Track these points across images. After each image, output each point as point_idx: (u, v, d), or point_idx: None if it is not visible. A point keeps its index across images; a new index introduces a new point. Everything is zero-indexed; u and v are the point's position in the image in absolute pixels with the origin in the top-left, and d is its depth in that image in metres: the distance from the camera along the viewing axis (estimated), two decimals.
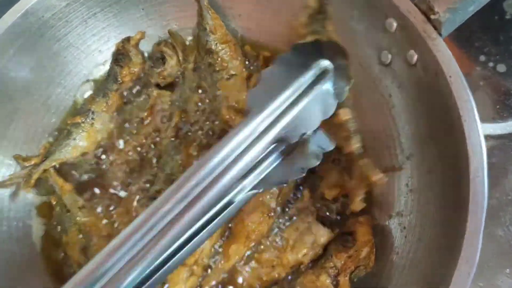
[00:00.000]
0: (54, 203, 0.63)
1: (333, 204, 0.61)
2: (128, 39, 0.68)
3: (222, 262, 0.57)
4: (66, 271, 0.61)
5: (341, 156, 0.61)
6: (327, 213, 0.60)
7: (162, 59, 0.69)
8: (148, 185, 0.63)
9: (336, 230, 0.58)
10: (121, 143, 0.67)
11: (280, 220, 0.60)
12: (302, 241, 0.57)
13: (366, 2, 0.55)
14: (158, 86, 0.69)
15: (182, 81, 0.69)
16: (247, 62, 0.69)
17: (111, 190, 0.64)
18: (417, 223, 0.53)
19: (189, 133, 0.65)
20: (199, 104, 0.67)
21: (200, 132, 0.65)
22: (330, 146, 0.54)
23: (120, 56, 0.68)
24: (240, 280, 0.58)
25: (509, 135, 0.69)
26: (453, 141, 0.46)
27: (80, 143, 0.65)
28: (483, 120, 0.45)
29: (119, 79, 0.67)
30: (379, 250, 0.57)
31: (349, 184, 0.59)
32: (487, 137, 0.68)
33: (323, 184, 0.61)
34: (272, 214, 0.59)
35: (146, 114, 0.68)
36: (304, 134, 0.53)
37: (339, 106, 0.56)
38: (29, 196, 0.64)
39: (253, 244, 0.58)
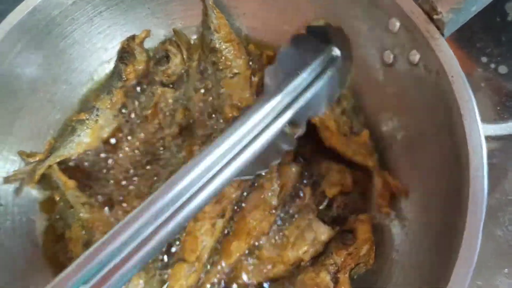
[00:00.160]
0: (57, 199, 0.64)
1: (334, 202, 0.61)
2: (133, 37, 0.69)
3: (223, 259, 0.58)
4: None
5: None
6: (328, 211, 0.61)
7: (167, 58, 0.69)
8: (150, 182, 0.64)
9: (336, 227, 0.59)
10: (124, 141, 0.67)
11: (281, 218, 0.60)
12: (302, 238, 0.58)
13: (369, 2, 0.55)
14: (162, 84, 0.70)
15: (186, 79, 0.70)
16: (250, 62, 0.70)
17: (114, 187, 0.64)
18: (417, 221, 0.54)
19: (192, 131, 0.65)
20: (202, 102, 0.67)
21: (203, 130, 0.65)
22: (302, 131, 0.56)
23: (125, 54, 0.69)
24: (240, 277, 0.58)
25: (509, 136, 0.69)
26: (454, 141, 0.47)
27: (84, 140, 0.65)
28: (484, 121, 0.46)
29: (124, 76, 0.68)
30: (379, 248, 0.57)
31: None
32: (488, 138, 0.68)
33: (324, 182, 0.61)
34: (274, 211, 0.59)
35: (150, 111, 0.68)
36: (310, 117, 0.53)
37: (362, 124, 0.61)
38: (33, 192, 0.64)
39: (254, 241, 0.58)
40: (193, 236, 0.58)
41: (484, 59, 0.75)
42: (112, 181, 0.65)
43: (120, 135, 0.67)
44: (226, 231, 0.60)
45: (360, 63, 0.61)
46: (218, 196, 0.59)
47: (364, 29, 0.58)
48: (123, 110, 0.68)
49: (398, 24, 0.52)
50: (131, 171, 0.65)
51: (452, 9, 0.47)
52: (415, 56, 0.52)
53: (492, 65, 0.74)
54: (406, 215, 0.56)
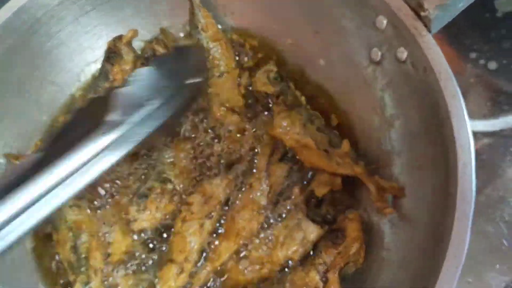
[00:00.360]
0: None
1: (323, 201, 0.61)
2: (119, 37, 0.68)
3: (212, 259, 0.57)
4: (56, 269, 0.61)
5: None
6: (317, 210, 0.60)
7: (154, 57, 0.69)
8: (139, 183, 0.63)
9: (325, 227, 0.58)
10: None
11: (270, 217, 0.60)
12: (291, 238, 0.57)
13: (357, 0, 0.55)
14: None
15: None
16: (237, 57, 0.70)
17: (101, 189, 0.63)
18: (406, 219, 0.53)
19: (180, 131, 0.65)
20: None
21: (190, 129, 0.65)
22: None
23: (111, 54, 0.68)
24: (230, 277, 0.58)
25: (500, 132, 0.69)
26: (442, 137, 0.47)
27: None
28: (474, 117, 0.46)
29: (110, 76, 0.67)
30: (368, 247, 0.57)
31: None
32: (478, 134, 0.68)
33: (314, 181, 0.61)
34: (262, 211, 0.59)
35: None
36: None
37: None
38: None
39: (243, 241, 0.58)
40: (181, 237, 0.58)
41: (473, 55, 0.75)
42: (98, 182, 0.63)
43: None
44: (214, 232, 0.59)
45: (348, 61, 0.61)
46: (206, 197, 0.59)
47: (351, 26, 0.58)
48: None
49: (385, 21, 0.52)
50: (118, 172, 0.64)
51: (438, 6, 0.47)
52: (403, 53, 0.51)
53: (482, 61, 0.74)
54: (395, 214, 0.56)
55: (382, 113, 0.58)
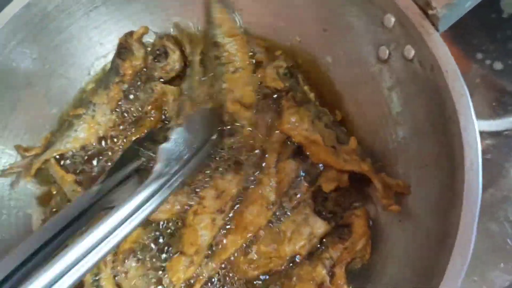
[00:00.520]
0: (54, 192, 0.64)
1: (330, 197, 0.61)
2: (131, 34, 0.69)
3: (219, 252, 0.58)
4: None
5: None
6: (324, 206, 0.61)
7: (165, 54, 0.69)
8: None
9: (332, 222, 0.59)
10: (121, 136, 0.67)
11: (278, 212, 0.60)
12: (299, 233, 0.58)
13: None
14: (161, 80, 0.70)
15: (190, 72, 0.70)
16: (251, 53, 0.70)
17: None
18: (413, 216, 0.54)
19: None
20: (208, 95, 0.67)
21: None
22: None
23: (122, 50, 0.69)
24: (236, 271, 0.58)
25: (504, 132, 0.70)
26: (449, 135, 0.47)
27: (81, 135, 0.66)
28: (479, 117, 0.46)
29: (121, 71, 0.68)
30: (374, 243, 0.57)
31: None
32: (483, 134, 0.69)
33: (321, 177, 0.61)
34: (271, 206, 0.59)
35: (150, 107, 0.68)
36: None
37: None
38: (29, 186, 0.64)
39: (250, 235, 0.58)
40: (193, 230, 0.58)
41: (479, 56, 0.75)
42: None
43: (117, 130, 0.67)
44: (223, 226, 0.60)
45: (355, 59, 0.61)
46: (218, 192, 0.60)
47: (359, 24, 0.58)
48: (121, 106, 0.68)
49: (393, 19, 0.53)
50: None
51: (446, 5, 0.48)
52: (410, 52, 0.52)
53: (487, 62, 0.75)
54: (402, 210, 0.56)
55: (389, 111, 0.58)
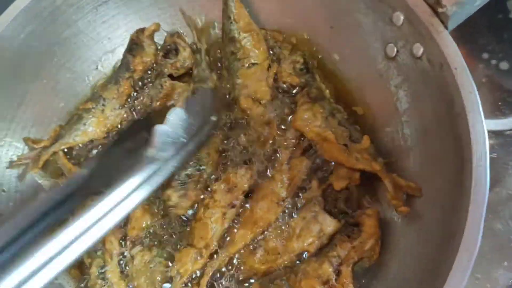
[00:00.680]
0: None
1: (341, 195, 0.60)
2: (142, 30, 0.69)
3: (228, 246, 0.58)
4: None
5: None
6: (335, 204, 0.60)
7: (176, 50, 0.70)
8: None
9: (342, 220, 0.58)
10: None
11: (288, 209, 0.60)
12: (308, 230, 0.57)
13: None
14: (171, 76, 0.70)
15: (198, 60, 0.70)
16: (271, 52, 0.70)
17: None
18: (420, 214, 0.54)
19: None
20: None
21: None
22: None
23: (133, 46, 0.69)
24: (244, 265, 0.58)
25: (509, 131, 0.70)
26: (456, 132, 0.47)
27: (89, 129, 0.66)
28: (485, 116, 0.46)
29: (132, 67, 0.68)
30: (383, 242, 0.57)
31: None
32: (488, 133, 0.68)
33: (332, 175, 0.61)
34: (281, 202, 0.59)
35: (158, 103, 0.68)
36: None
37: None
38: (36, 179, 0.64)
39: (259, 230, 0.58)
40: (203, 223, 0.58)
41: (485, 56, 0.76)
42: None
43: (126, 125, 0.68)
44: (233, 220, 0.60)
45: (363, 56, 0.62)
46: (229, 186, 0.60)
47: (367, 22, 0.59)
48: (130, 101, 0.69)
49: (402, 17, 0.53)
50: None
51: (456, 3, 0.48)
52: (419, 49, 0.52)
53: (494, 62, 0.75)
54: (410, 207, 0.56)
55: (396, 108, 0.59)
